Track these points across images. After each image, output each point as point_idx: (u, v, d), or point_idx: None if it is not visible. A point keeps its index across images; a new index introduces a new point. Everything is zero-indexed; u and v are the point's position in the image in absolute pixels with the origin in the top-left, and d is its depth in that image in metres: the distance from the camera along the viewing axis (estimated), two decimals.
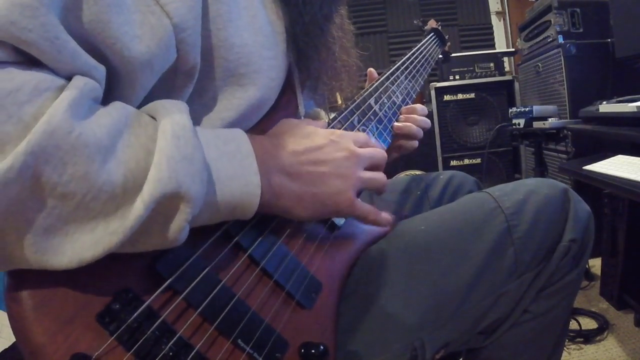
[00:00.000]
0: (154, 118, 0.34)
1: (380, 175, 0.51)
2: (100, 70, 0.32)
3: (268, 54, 0.47)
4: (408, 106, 0.75)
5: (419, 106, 0.75)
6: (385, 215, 0.52)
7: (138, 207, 0.30)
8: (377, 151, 0.52)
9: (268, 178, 0.42)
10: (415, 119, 0.72)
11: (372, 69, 0.79)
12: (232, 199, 0.37)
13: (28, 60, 0.28)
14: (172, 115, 0.33)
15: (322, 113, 0.67)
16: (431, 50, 1.01)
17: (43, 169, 0.27)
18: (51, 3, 0.28)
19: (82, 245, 0.30)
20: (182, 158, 0.32)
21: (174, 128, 0.33)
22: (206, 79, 0.43)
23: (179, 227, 0.33)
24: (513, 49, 2.73)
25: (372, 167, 0.51)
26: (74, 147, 0.28)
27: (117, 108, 0.33)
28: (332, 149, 0.48)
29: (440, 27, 1.12)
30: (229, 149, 0.38)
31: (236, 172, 0.38)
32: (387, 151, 0.68)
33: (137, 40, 0.33)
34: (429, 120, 0.75)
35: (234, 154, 0.38)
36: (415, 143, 0.74)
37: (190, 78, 0.40)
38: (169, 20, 0.35)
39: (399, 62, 0.82)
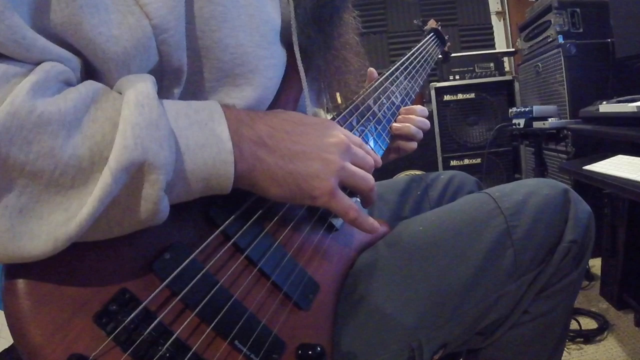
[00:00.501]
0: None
1: (367, 175, 0.48)
2: (74, 61, 0.33)
3: (265, 53, 0.47)
4: (407, 107, 0.74)
5: (418, 107, 0.74)
6: (372, 222, 0.48)
7: (105, 176, 0.30)
8: (369, 155, 0.50)
9: (241, 147, 0.39)
10: (413, 119, 0.72)
11: (372, 69, 0.77)
12: (205, 168, 0.36)
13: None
14: (136, 85, 0.33)
15: (322, 113, 0.67)
16: (431, 50, 1.01)
17: (9, 150, 0.28)
18: (17, 6, 0.29)
19: (56, 224, 0.30)
20: (148, 125, 0.31)
21: (137, 97, 0.32)
22: (200, 80, 0.43)
23: (154, 197, 0.32)
24: (513, 49, 2.73)
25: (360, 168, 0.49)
26: (37, 125, 0.28)
27: (85, 85, 0.33)
28: (320, 132, 0.46)
29: (440, 27, 1.12)
30: (200, 117, 0.37)
31: (208, 140, 0.36)
32: (386, 152, 0.69)
33: (113, 40, 0.33)
34: (428, 122, 0.74)
35: (205, 122, 0.37)
36: (414, 144, 0.73)
37: (178, 79, 0.40)
38: (148, 21, 0.35)
39: (398, 62, 0.82)
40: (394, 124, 0.70)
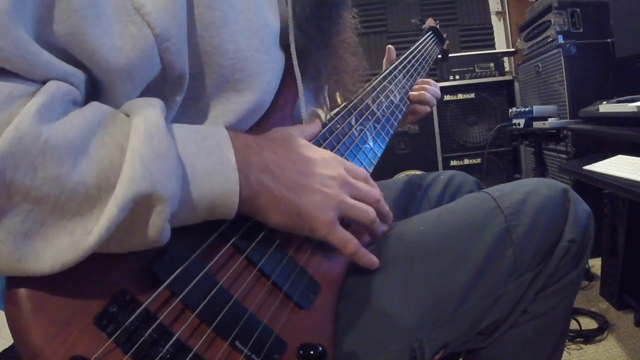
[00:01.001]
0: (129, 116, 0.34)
1: (367, 208, 0.49)
2: (78, 75, 0.33)
3: (264, 57, 0.47)
4: (422, 79, 0.87)
5: (431, 81, 0.88)
6: (371, 257, 0.50)
7: (111, 208, 0.30)
8: (371, 190, 0.51)
9: (247, 174, 0.40)
10: (428, 88, 0.85)
11: (390, 46, 0.91)
12: (211, 196, 0.37)
13: (2, 70, 0.28)
14: (145, 112, 0.33)
15: (321, 113, 0.67)
16: (429, 49, 1.01)
17: (14, 174, 0.27)
18: (21, 19, 0.28)
19: (61, 248, 0.30)
20: (156, 156, 0.31)
21: (147, 126, 0.32)
22: (201, 85, 0.43)
23: (158, 226, 0.32)
24: (513, 49, 2.73)
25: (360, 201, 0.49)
26: (43, 151, 0.28)
27: (92, 108, 0.32)
28: (321, 166, 0.47)
29: (438, 26, 1.12)
30: (208, 144, 0.38)
31: (215, 168, 0.37)
32: (403, 116, 0.80)
33: (116, 51, 0.33)
34: (439, 92, 0.88)
35: (213, 149, 0.38)
36: (428, 108, 0.86)
37: (180, 86, 0.39)
38: (150, 30, 0.35)
39: (396, 61, 0.82)
40: (412, 92, 0.83)
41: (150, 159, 0.31)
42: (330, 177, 0.46)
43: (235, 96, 0.45)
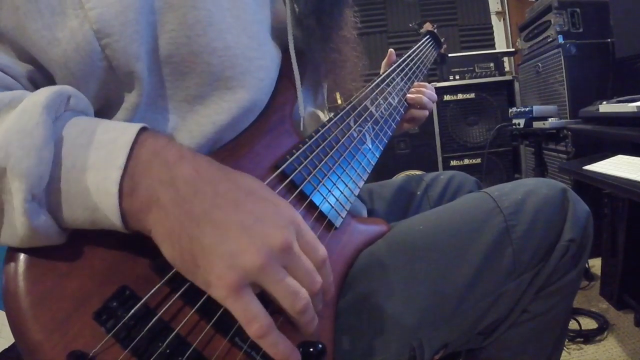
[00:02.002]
0: None
1: (297, 291, 0.34)
2: (15, 68, 0.36)
3: (254, 54, 0.47)
4: (418, 83, 0.88)
5: (427, 84, 0.89)
6: (284, 349, 0.34)
7: None
8: (317, 276, 0.36)
9: (139, 180, 0.33)
10: (424, 92, 0.85)
11: (392, 50, 0.90)
12: (87, 194, 0.32)
13: None
14: (40, 92, 0.33)
15: (321, 115, 0.67)
16: (427, 52, 1.02)
17: None
18: None
19: None
20: (19, 131, 0.30)
21: (26, 104, 0.32)
22: (193, 85, 0.43)
23: (20, 207, 0.30)
24: (513, 49, 2.73)
25: (303, 275, 0.35)
26: None
27: (12, 92, 0.34)
28: (264, 212, 0.35)
29: (435, 30, 1.13)
30: (105, 137, 0.33)
31: (96, 163, 0.32)
32: (401, 122, 0.82)
33: (55, 43, 0.35)
34: (435, 96, 0.88)
35: (106, 143, 0.33)
36: (426, 112, 0.86)
37: (129, 85, 0.40)
38: (90, 25, 0.36)
39: (394, 64, 0.83)
40: (409, 95, 0.82)
41: (12, 132, 0.30)
42: (267, 231, 0.33)
43: (228, 94, 0.45)
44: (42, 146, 0.31)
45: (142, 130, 0.35)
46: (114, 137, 0.33)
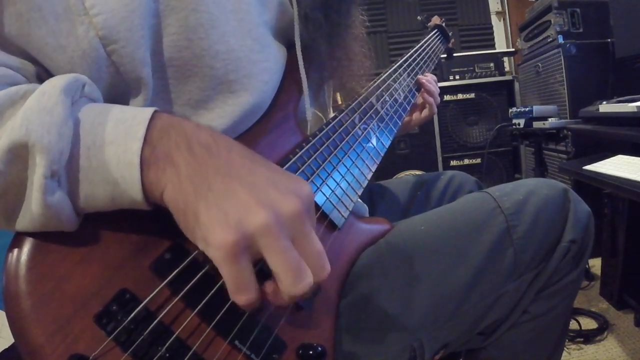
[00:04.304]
0: None
1: (301, 268, 0.31)
2: (25, 68, 0.36)
3: (259, 57, 0.47)
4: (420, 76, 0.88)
5: (430, 74, 0.91)
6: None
7: None
8: (325, 257, 0.34)
9: (157, 146, 0.32)
10: (429, 79, 0.87)
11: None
12: (109, 167, 0.32)
13: None
14: (54, 79, 0.34)
15: (322, 115, 0.66)
16: (434, 47, 1.01)
17: None
18: None
19: None
20: (40, 110, 0.31)
21: (45, 86, 0.32)
22: (195, 89, 0.43)
23: (38, 183, 0.30)
24: (513, 49, 2.73)
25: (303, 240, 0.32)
26: None
27: (21, 86, 0.34)
28: (275, 177, 0.34)
29: (444, 24, 1.11)
30: (123, 116, 0.33)
31: (117, 138, 0.32)
32: (411, 111, 0.86)
33: (60, 50, 0.36)
34: (437, 88, 0.90)
35: (125, 120, 0.33)
36: (437, 99, 0.89)
37: (136, 90, 0.40)
38: (95, 32, 0.36)
39: (401, 59, 0.81)
40: (420, 77, 0.85)
41: (32, 111, 0.31)
42: (279, 195, 0.32)
43: (231, 97, 0.45)
44: (62, 123, 0.31)
45: (157, 111, 0.35)
46: (132, 115, 0.34)
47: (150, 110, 0.34)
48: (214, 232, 0.30)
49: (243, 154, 0.34)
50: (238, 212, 0.30)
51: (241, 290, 0.31)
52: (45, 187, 0.30)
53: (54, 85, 0.33)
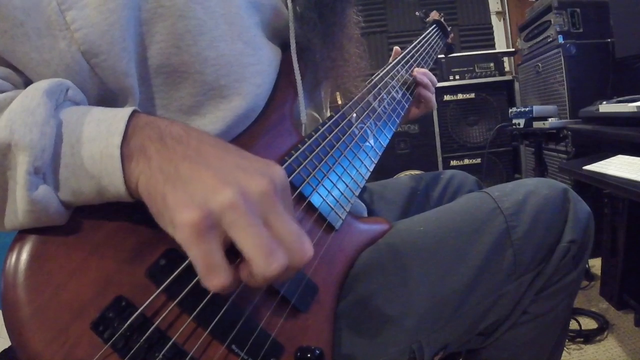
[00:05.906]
0: None
1: (271, 247, 0.30)
2: (12, 78, 0.37)
3: (250, 60, 0.47)
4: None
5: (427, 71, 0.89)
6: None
7: None
8: (305, 239, 0.33)
9: (133, 139, 0.33)
10: (425, 72, 0.85)
11: (397, 47, 0.89)
12: (93, 162, 0.33)
13: None
14: (38, 82, 0.35)
15: (317, 116, 0.66)
16: (433, 42, 1.00)
17: None
18: None
19: None
20: (22, 110, 0.32)
21: (28, 90, 0.34)
22: (186, 95, 0.43)
23: (22, 179, 0.31)
24: (513, 49, 2.73)
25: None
26: None
27: (13, 91, 0.35)
28: (251, 159, 0.34)
29: (442, 19, 1.10)
30: (104, 115, 0.34)
31: (99, 135, 0.33)
32: (408, 108, 0.80)
33: (44, 64, 0.36)
34: (435, 79, 0.87)
35: (106, 119, 0.34)
36: (433, 90, 0.85)
37: (123, 97, 0.40)
38: (77, 46, 0.36)
39: (399, 55, 0.81)
40: (415, 69, 0.83)
41: (15, 112, 0.32)
42: (246, 176, 0.31)
43: (224, 102, 0.44)
44: (44, 123, 0.32)
45: (136, 110, 0.36)
46: (113, 114, 0.35)
47: (129, 110, 0.35)
48: (180, 212, 0.29)
49: (214, 144, 0.35)
50: (204, 192, 0.30)
51: (211, 272, 0.30)
52: (30, 183, 0.31)
53: (37, 87, 0.34)
